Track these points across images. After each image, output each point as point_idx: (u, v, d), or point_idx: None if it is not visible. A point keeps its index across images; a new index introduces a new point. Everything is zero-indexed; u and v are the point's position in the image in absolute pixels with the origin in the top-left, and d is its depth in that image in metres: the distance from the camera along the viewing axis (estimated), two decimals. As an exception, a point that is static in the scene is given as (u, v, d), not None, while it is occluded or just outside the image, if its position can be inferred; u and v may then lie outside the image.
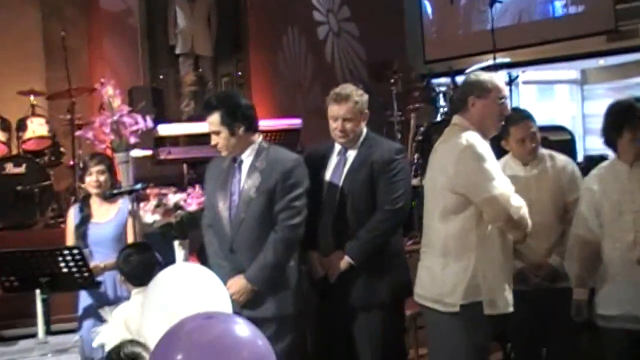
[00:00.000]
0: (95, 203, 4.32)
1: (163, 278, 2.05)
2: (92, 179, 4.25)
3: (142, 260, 3.67)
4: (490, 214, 3.29)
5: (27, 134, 6.87)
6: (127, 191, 4.13)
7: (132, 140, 5.08)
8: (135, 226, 4.18)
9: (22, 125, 6.91)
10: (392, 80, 7.70)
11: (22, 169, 6.32)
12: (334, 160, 3.93)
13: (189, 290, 1.99)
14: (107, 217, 4.28)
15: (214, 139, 3.71)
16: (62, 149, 7.06)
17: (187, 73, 8.70)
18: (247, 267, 3.66)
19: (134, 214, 4.21)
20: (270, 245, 3.63)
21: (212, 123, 3.68)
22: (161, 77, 8.64)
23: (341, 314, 3.86)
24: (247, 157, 3.74)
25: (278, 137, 6.81)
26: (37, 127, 6.88)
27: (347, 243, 3.80)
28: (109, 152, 5.19)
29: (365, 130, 3.93)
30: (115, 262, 4.08)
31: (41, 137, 6.91)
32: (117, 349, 2.09)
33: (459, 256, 3.34)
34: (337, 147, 3.93)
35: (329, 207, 3.86)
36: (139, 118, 5.09)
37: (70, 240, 4.26)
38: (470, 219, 3.32)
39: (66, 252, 3.77)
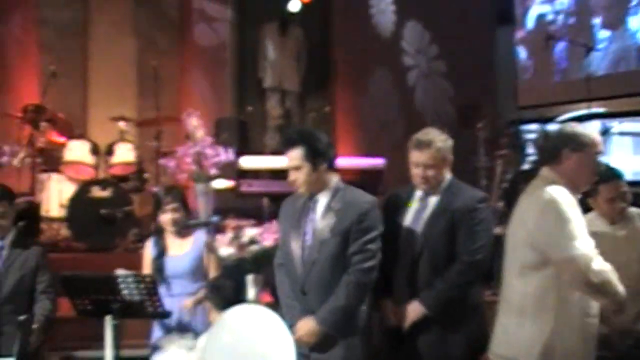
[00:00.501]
0: (169, 237, 4.31)
1: (228, 319, 1.98)
2: (167, 217, 4.25)
3: (233, 289, 3.75)
4: (569, 275, 3.11)
5: (114, 159, 7.02)
6: (203, 223, 4.14)
7: (213, 171, 5.09)
8: (214, 258, 4.18)
9: (110, 150, 7.06)
10: (480, 125, 7.53)
11: (107, 193, 6.43)
12: (414, 205, 3.82)
13: (253, 333, 1.91)
14: (182, 250, 4.27)
15: (293, 175, 3.64)
16: (146, 175, 7.17)
17: (273, 107, 8.77)
18: (318, 309, 3.57)
19: (210, 246, 4.21)
20: (343, 287, 3.54)
21: (293, 158, 3.61)
22: (250, 109, 8.73)
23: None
24: (323, 197, 3.67)
25: (360, 177, 6.78)
26: (124, 153, 7.03)
27: (422, 292, 3.68)
28: (187, 182, 5.21)
29: (448, 176, 3.81)
30: (198, 295, 4.10)
31: (127, 163, 7.04)
32: None
33: (536, 316, 3.16)
34: (419, 192, 3.83)
35: (406, 254, 3.75)
36: (221, 150, 5.11)
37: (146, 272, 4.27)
38: (549, 278, 3.14)
39: (139, 279, 3.77)
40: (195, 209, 4.75)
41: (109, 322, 3.30)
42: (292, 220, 3.71)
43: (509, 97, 9.47)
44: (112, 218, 6.33)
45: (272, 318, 2.00)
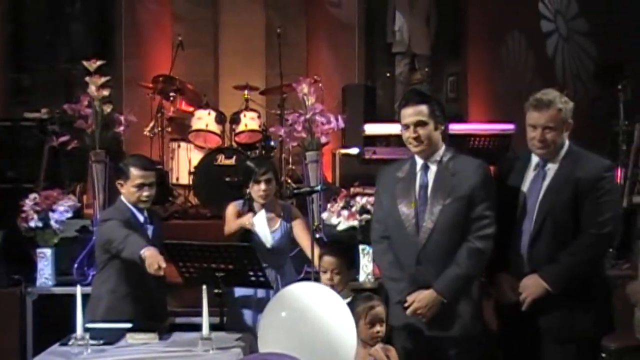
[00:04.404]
0: (258, 210, 4.19)
1: (285, 295, 1.88)
2: (261, 188, 4.11)
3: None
4: None
5: (240, 127, 7.06)
6: (307, 192, 4.05)
7: (324, 139, 5.02)
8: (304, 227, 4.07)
9: (236, 119, 7.12)
10: (620, 86, 6.94)
11: (232, 161, 6.50)
12: (530, 174, 3.58)
13: (312, 310, 1.80)
14: (270, 226, 4.15)
15: (415, 131, 3.47)
16: (272, 143, 7.17)
17: (409, 71, 8.50)
18: (433, 279, 3.43)
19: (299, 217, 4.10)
20: (464, 255, 3.41)
21: (419, 113, 3.47)
22: (387, 75, 8.54)
23: (529, 345, 3.50)
24: (433, 162, 3.53)
25: (489, 141, 6.58)
26: (249, 121, 7.05)
27: (545, 267, 3.45)
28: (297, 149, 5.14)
29: (567, 142, 3.55)
30: None
31: (253, 131, 7.06)
32: None
33: None
34: (535, 159, 3.58)
35: (525, 225, 3.51)
36: (332, 117, 5.03)
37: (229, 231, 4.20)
38: None
39: (240, 248, 3.74)
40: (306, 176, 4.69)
41: (205, 292, 3.28)
42: (398, 189, 3.55)
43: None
44: (237, 185, 6.34)
45: (331, 295, 1.88)
